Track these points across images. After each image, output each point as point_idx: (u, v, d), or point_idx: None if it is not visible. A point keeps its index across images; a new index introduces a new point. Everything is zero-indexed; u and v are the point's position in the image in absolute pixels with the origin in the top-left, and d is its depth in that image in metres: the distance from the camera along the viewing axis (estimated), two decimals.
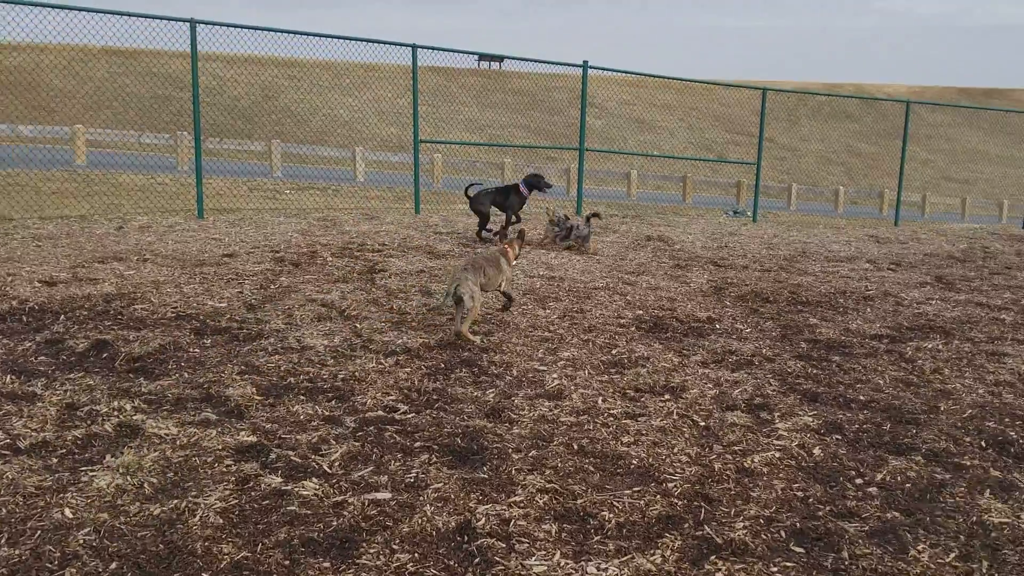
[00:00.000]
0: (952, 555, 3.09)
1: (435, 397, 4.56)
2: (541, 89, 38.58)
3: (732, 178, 29.44)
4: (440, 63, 14.20)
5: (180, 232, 9.81)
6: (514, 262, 6.45)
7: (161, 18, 11.20)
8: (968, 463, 3.96)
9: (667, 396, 4.75)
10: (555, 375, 5.03)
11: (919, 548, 3.13)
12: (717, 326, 6.47)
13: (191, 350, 5.20)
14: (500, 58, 17.07)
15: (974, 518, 3.39)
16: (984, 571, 2.99)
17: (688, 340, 6.01)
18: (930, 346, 6.13)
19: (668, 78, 18.29)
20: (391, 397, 4.52)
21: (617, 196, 24.91)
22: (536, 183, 10.64)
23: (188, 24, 11.10)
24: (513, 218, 10.38)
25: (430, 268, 8.15)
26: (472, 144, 18.43)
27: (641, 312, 6.78)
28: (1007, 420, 4.59)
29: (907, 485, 3.69)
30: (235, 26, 11.82)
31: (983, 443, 4.24)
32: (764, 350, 5.81)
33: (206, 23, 11.33)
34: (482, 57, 42.34)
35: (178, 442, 3.79)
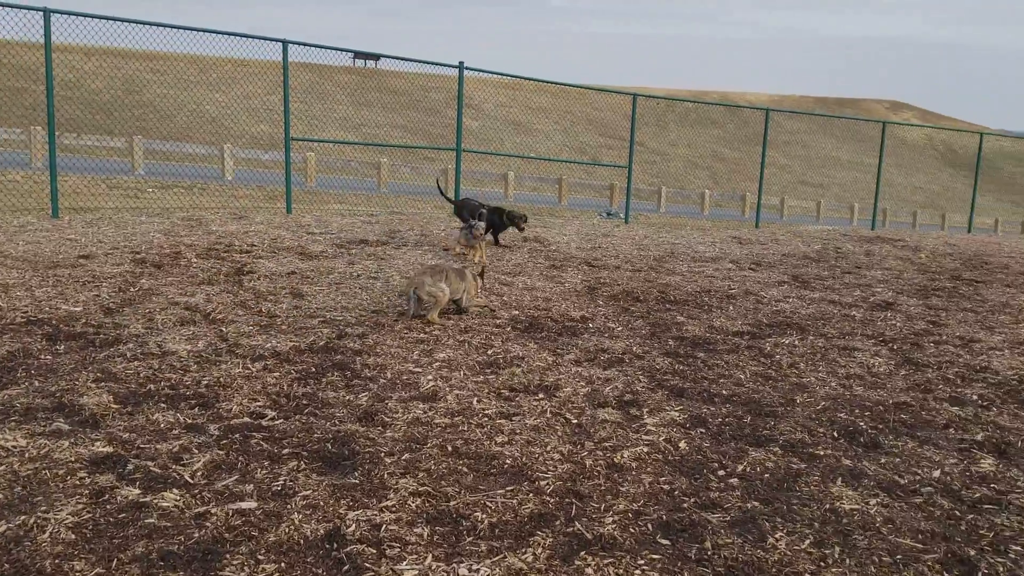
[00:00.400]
0: (807, 542, 3.25)
1: (305, 402, 4.45)
2: (418, 89, 38.42)
3: (605, 181, 30.13)
4: (314, 60, 13.91)
5: (32, 232, 9.22)
6: (475, 291, 6.67)
7: (11, 5, 10.49)
8: (822, 453, 4.18)
9: (541, 395, 4.81)
10: (430, 377, 5.00)
11: (777, 536, 3.27)
12: (590, 325, 6.60)
13: (42, 357, 4.89)
14: (376, 56, 16.89)
15: (827, 505, 3.58)
16: (836, 556, 3.15)
17: (562, 339, 6.11)
18: (787, 342, 6.45)
19: (543, 81, 18.49)
20: (258, 403, 4.38)
21: (495, 197, 25.06)
22: (516, 221, 10.60)
23: (41, 12, 10.45)
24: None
25: (302, 270, 7.96)
26: (347, 143, 18.13)
27: (517, 312, 6.83)
28: (857, 411, 4.87)
29: (766, 475, 3.86)
30: (93, 16, 11.20)
31: (835, 434, 4.48)
32: (634, 348, 5.96)
33: (61, 12, 10.69)
34: (357, 55, 41.80)
35: (27, 454, 3.56)
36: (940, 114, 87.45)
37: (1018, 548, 3.30)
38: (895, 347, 6.49)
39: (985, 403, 5.19)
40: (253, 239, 9.63)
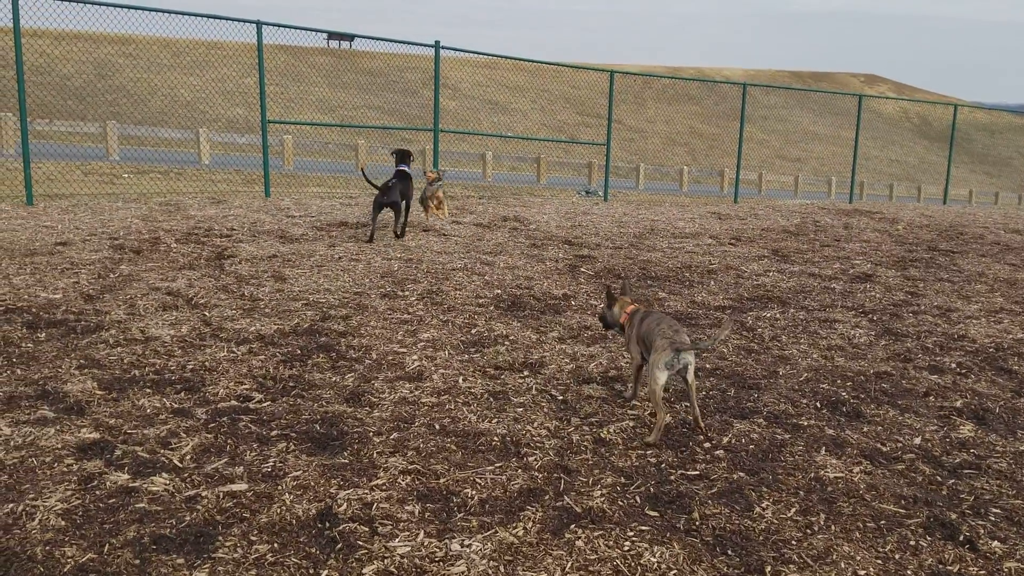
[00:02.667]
0: (793, 510, 3.30)
1: (291, 384, 4.45)
2: (394, 69, 38.13)
3: (584, 159, 30.06)
4: (288, 41, 13.80)
5: (7, 220, 9.11)
6: None
7: None
8: (805, 423, 4.24)
9: (526, 372, 4.83)
10: (415, 357, 5.01)
11: (763, 505, 3.32)
12: (572, 303, 6.62)
13: (23, 345, 4.85)
14: (350, 37, 16.74)
15: (812, 474, 3.64)
16: (822, 523, 3.21)
17: (545, 317, 6.13)
18: (769, 315, 6.50)
19: (519, 59, 18.42)
20: (245, 386, 4.38)
21: (473, 177, 24.99)
22: None
23: None
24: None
25: (283, 253, 7.93)
26: (324, 125, 17.99)
27: (499, 291, 6.85)
28: (839, 382, 4.93)
29: (751, 447, 3.91)
30: None
31: (818, 404, 4.54)
32: None
33: None
34: (331, 36, 41.37)
35: (12, 443, 3.55)
36: (914, 87, 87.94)
37: (997, 511, 3.37)
38: (875, 318, 6.57)
39: (963, 371, 5.27)
40: (232, 223, 9.57)
